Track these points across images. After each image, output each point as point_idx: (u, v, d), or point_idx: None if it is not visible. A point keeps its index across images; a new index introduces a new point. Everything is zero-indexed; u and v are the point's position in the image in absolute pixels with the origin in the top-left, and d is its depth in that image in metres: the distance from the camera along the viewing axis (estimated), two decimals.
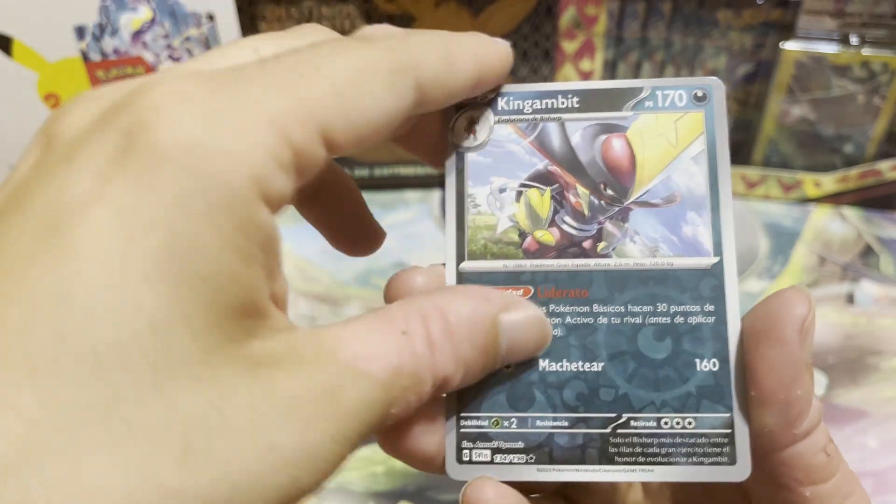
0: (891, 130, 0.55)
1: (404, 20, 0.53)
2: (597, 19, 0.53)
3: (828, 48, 0.52)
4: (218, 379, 0.15)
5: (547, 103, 0.22)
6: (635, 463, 0.20)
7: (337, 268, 0.53)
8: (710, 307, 0.21)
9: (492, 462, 0.20)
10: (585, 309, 0.21)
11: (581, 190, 0.21)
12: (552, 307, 0.21)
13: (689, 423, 0.20)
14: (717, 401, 0.20)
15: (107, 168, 0.14)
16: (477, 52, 0.20)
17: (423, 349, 0.18)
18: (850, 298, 0.51)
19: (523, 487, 0.22)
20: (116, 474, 0.13)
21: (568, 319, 0.21)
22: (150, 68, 0.42)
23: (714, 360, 0.20)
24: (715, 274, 0.21)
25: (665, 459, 0.20)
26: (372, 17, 0.52)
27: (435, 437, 0.21)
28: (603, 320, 0.21)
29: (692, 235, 0.21)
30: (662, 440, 0.20)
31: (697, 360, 0.20)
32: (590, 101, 0.22)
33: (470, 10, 0.52)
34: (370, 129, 0.17)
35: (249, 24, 0.52)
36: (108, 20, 0.41)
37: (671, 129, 0.21)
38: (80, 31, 0.41)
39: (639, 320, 0.21)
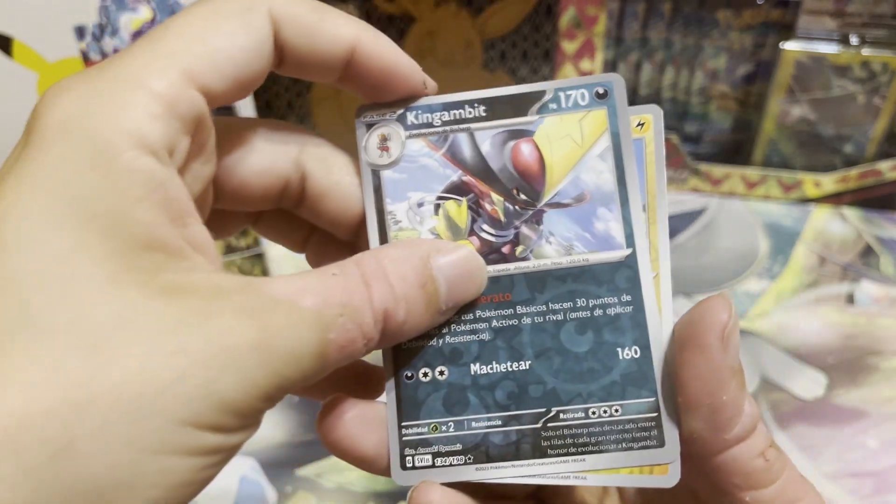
0: (891, 130, 0.55)
1: (404, 20, 0.53)
2: (597, 19, 0.53)
3: (828, 48, 0.52)
4: (125, 298, 0.16)
5: (455, 114, 0.22)
6: (567, 454, 0.21)
7: None
8: (626, 297, 0.21)
9: (433, 466, 0.21)
10: (509, 311, 0.22)
11: (496, 197, 0.22)
12: (479, 313, 0.22)
13: (616, 411, 0.21)
14: (641, 386, 0.21)
15: (15, 154, 0.18)
16: (360, 31, 0.21)
17: (356, 284, 0.19)
18: (850, 298, 0.51)
19: (492, 494, 0.22)
20: (27, 370, 0.15)
21: (494, 323, 0.22)
22: None
23: (635, 347, 0.21)
24: (629, 265, 0.21)
25: (595, 448, 0.21)
26: (372, 16, 0.52)
27: (373, 438, 0.21)
28: (527, 321, 0.22)
29: (604, 230, 0.22)
30: (591, 429, 0.21)
31: (619, 350, 0.21)
32: (496, 108, 0.22)
33: (470, 10, 0.52)
34: (234, 66, 0.19)
35: None
36: (108, 20, 0.41)
37: (576, 129, 0.22)
38: (80, 32, 0.41)
39: (560, 317, 0.21)
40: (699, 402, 0.20)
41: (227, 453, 0.18)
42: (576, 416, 0.21)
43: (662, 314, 0.22)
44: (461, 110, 0.22)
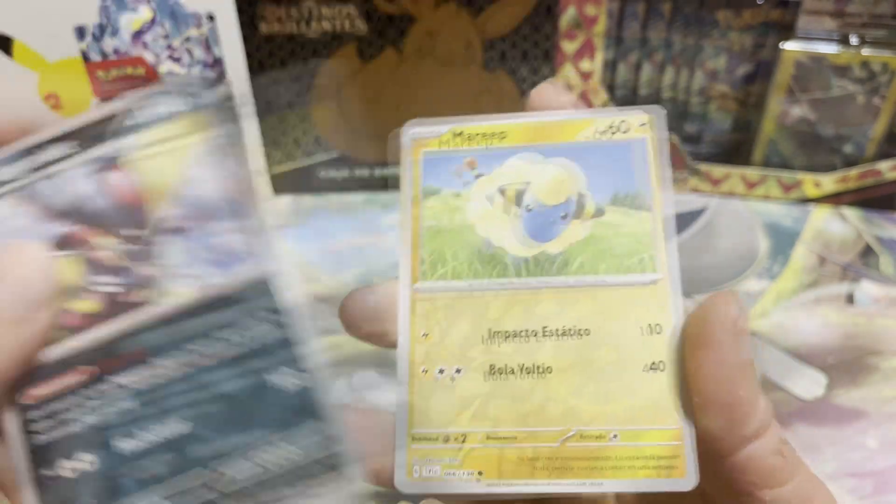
0: (890, 131, 0.56)
1: (404, 21, 0.53)
2: (597, 19, 0.53)
3: (828, 48, 0.52)
4: None
5: (38, 160, 0.19)
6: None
7: (337, 268, 0.53)
8: (274, 315, 0.19)
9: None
10: (148, 371, 0.18)
11: (106, 241, 0.19)
12: (117, 378, 0.18)
13: (286, 448, 0.18)
14: (309, 413, 0.18)
15: None
16: None
17: None
18: (850, 298, 0.51)
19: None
20: None
21: (136, 387, 0.18)
22: (150, 68, 0.42)
23: (300, 373, 0.18)
24: (265, 279, 0.19)
25: (273, 492, 0.18)
26: (372, 17, 0.52)
27: (388, 458, 0.20)
28: (174, 373, 0.18)
29: (227, 247, 0.19)
30: (262, 474, 0.18)
31: (281, 380, 0.18)
32: (82, 139, 0.19)
33: (470, 10, 0.52)
34: None
35: (249, 24, 0.52)
36: (109, 20, 0.41)
37: (167, 141, 0.19)
38: (81, 32, 0.41)
39: (208, 361, 0.18)
40: (715, 400, 0.19)
41: None
42: (238, 462, 0.18)
43: (671, 317, 0.20)
44: (43, 152, 0.19)
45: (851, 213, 0.57)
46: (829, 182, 0.57)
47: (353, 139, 0.58)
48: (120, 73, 0.42)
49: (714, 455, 0.20)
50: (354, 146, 0.58)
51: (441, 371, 0.21)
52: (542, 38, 0.54)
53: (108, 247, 0.19)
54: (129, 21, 0.42)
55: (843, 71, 0.53)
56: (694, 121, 0.58)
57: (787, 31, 0.53)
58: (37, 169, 0.19)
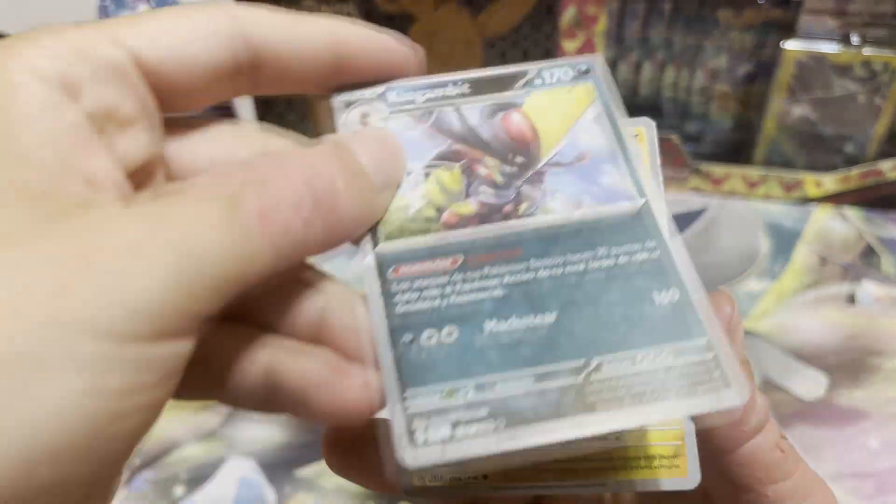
0: (892, 130, 0.55)
1: (404, 20, 0.53)
2: (597, 19, 0.53)
3: (829, 48, 0.52)
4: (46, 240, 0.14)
5: (438, 92, 0.22)
6: (620, 406, 0.18)
7: (338, 267, 0.52)
8: (651, 243, 0.20)
9: (453, 438, 0.17)
10: (522, 266, 0.19)
11: (490, 161, 0.21)
12: (487, 270, 0.19)
13: (668, 356, 0.18)
14: (688, 328, 0.19)
15: None
16: (337, 23, 0.20)
17: (260, 163, 0.17)
18: (851, 299, 0.51)
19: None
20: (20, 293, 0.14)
21: (507, 279, 0.19)
22: None
23: (672, 289, 0.19)
24: (644, 215, 0.20)
25: (653, 396, 0.18)
26: (372, 16, 0.52)
27: (376, 459, 0.20)
28: (543, 273, 0.19)
29: (611, 184, 0.20)
30: (644, 378, 0.18)
31: (655, 294, 0.19)
32: (480, 86, 0.22)
33: (470, 9, 0.52)
34: (175, 44, 0.18)
35: None
36: None
37: (564, 100, 0.22)
38: None
39: (581, 267, 0.19)
40: None
41: (151, 371, 0.15)
42: (622, 364, 0.18)
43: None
44: (444, 89, 0.22)
45: (853, 213, 0.57)
46: (830, 182, 0.57)
47: None
48: None
49: (715, 453, 0.20)
50: None
51: None
52: (543, 37, 0.54)
53: (492, 166, 0.21)
54: None
55: (844, 70, 0.53)
56: (695, 120, 0.58)
57: (789, 31, 0.52)
58: (437, 99, 0.22)
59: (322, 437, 0.21)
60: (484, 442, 0.18)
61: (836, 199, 0.57)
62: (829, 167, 0.57)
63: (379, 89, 0.21)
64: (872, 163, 0.56)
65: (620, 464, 0.21)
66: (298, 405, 0.18)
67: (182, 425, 0.45)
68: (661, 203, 0.20)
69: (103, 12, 0.41)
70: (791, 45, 0.52)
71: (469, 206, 0.20)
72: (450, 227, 0.20)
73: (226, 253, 0.15)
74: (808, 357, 0.48)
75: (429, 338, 0.19)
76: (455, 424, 0.18)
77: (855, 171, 0.56)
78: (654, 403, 0.18)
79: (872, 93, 0.53)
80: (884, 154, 0.56)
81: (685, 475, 0.20)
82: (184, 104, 0.19)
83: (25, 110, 0.16)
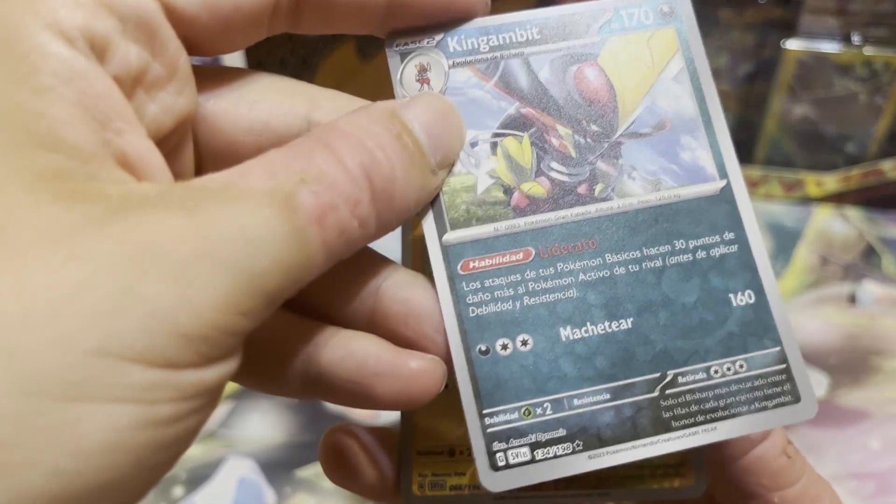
0: (893, 130, 0.55)
1: None
2: None
3: (830, 47, 0.52)
4: (7, 202, 0.13)
5: (504, 38, 0.19)
6: (694, 424, 0.17)
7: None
8: (729, 235, 0.18)
9: (533, 461, 0.17)
10: (598, 261, 0.18)
11: (562, 130, 0.19)
12: (560, 266, 0.18)
13: (741, 367, 0.18)
14: (763, 335, 0.18)
15: None
16: None
17: (314, 147, 0.15)
18: (852, 299, 0.51)
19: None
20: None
21: (581, 277, 0.18)
22: None
23: (748, 291, 0.18)
24: (726, 198, 0.19)
25: (726, 412, 0.17)
26: None
27: (374, 469, 0.20)
28: (620, 270, 0.18)
29: (692, 161, 0.19)
30: (717, 391, 0.18)
31: (731, 296, 0.18)
32: (551, 29, 0.19)
33: None
34: None
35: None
36: None
37: (644, 50, 0.19)
38: None
39: (658, 263, 0.18)
40: None
41: (200, 396, 0.14)
42: (696, 377, 0.18)
43: None
44: (511, 33, 0.19)
45: (853, 213, 0.57)
46: (831, 181, 0.56)
47: None
48: None
49: (722, 459, 0.20)
50: None
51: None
52: None
53: (564, 136, 0.19)
54: None
55: (845, 70, 0.53)
56: None
57: (790, 30, 0.52)
58: (503, 47, 0.19)
59: (319, 447, 0.21)
60: (563, 465, 0.17)
61: (837, 198, 0.57)
62: (829, 167, 0.57)
63: (438, 35, 0.19)
64: (873, 162, 0.56)
65: (625, 472, 0.20)
66: (358, 395, 0.17)
67: None
68: (741, 182, 0.19)
69: None
70: (792, 44, 0.52)
71: (540, 187, 0.18)
72: (519, 211, 0.18)
73: (282, 265, 0.14)
74: (809, 357, 0.48)
75: (504, 348, 0.18)
76: (534, 447, 0.17)
77: (856, 171, 0.56)
78: (726, 422, 0.17)
79: (873, 92, 0.53)
80: (885, 154, 0.56)
81: (692, 483, 0.20)
82: (215, 48, 0.17)
83: (48, 81, 0.14)
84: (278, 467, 0.42)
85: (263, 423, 0.45)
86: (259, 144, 0.17)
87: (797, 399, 0.18)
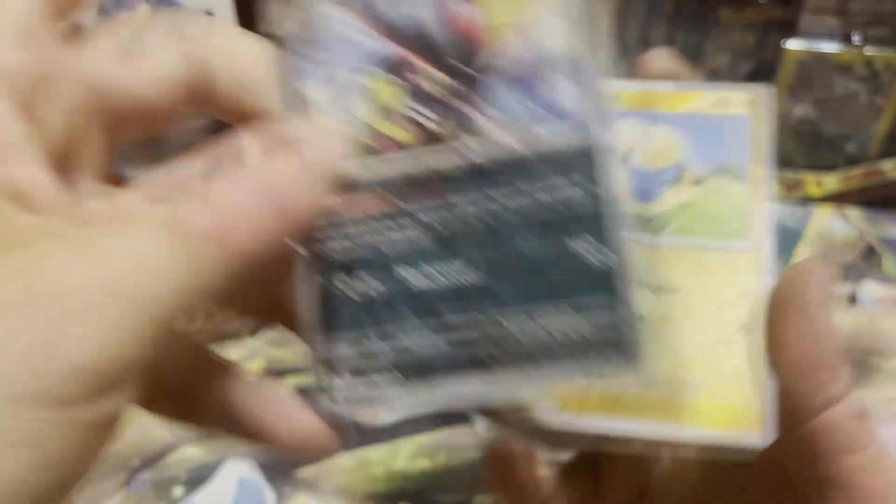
0: (893, 130, 0.55)
1: None
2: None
3: (830, 47, 0.52)
4: None
5: None
6: (515, 366, 0.18)
7: None
8: (580, 179, 0.18)
9: (354, 388, 0.18)
10: (443, 205, 0.18)
11: (430, 70, 0.18)
12: (409, 208, 0.18)
13: (573, 318, 0.18)
14: (597, 284, 0.18)
15: None
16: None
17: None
18: (853, 299, 0.51)
19: (551, 446, 0.22)
20: None
21: (425, 218, 0.18)
22: None
23: (590, 238, 0.18)
24: (591, 147, 0.18)
25: (542, 358, 0.18)
26: None
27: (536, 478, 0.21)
28: (463, 212, 0.18)
29: (561, 106, 0.18)
30: (540, 336, 0.18)
31: (569, 241, 0.18)
32: None
33: None
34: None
35: (248, 22, 0.52)
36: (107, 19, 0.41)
37: None
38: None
39: (498, 205, 0.18)
40: (800, 362, 0.20)
41: (95, 429, 0.13)
42: (525, 324, 0.18)
43: (762, 283, 0.20)
44: None
45: (854, 213, 0.57)
46: (831, 181, 0.56)
47: None
48: None
49: (793, 417, 0.20)
50: None
51: None
52: None
53: (434, 79, 0.18)
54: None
55: (845, 70, 0.53)
56: None
57: (790, 30, 0.52)
58: None
59: (486, 458, 0.21)
60: (380, 395, 0.18)
61: (837, 198, 0.57)
62: (830, 167, 0.57)
63: None
64: (873, 162, 0.56)
65: (696, 415, 0.20)
66: (261, 439, 0.18)
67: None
68: (610, 129, 0.18)
69: (102, 11, 0.41)
70: (792, 44, 0.52)
71: (403, 133, 0.18)
72: (379, 155, 0.18)
73: (176, 289, 0.14)
74: None
75: (355, 290, 0.18)
76: (356, 373, 0.18)
77: (856, 171, 0.56)
78: (544, 367, 0.18)
79: (874, 92, 0.53)
80: (885, 154, 0.56)
81: (761, 432, 0.20)
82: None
83: None
84: (278, 468, 0.43)
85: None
86: (158, 96, 0.17)
87: (625, 352, 0.18)
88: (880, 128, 0.55)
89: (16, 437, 0.12)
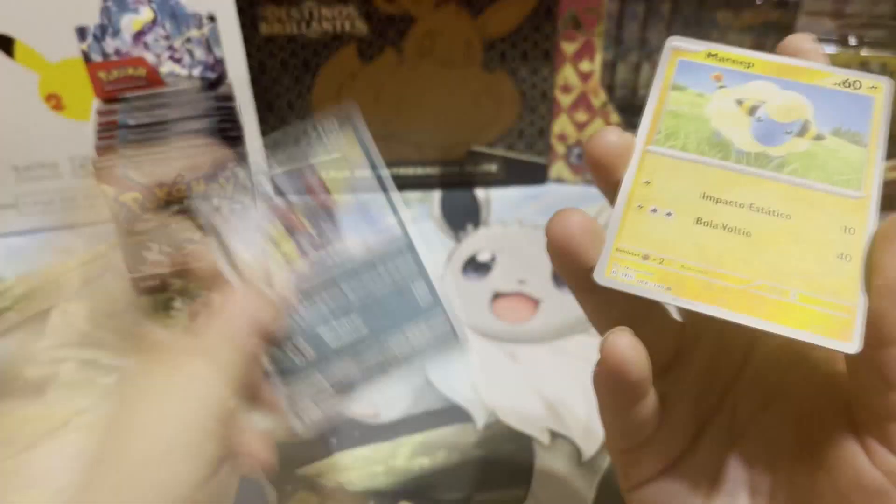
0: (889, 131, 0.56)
1: (404, 21, 0.53)
2: (596, 20, 0.53)
3: (827, 49, 0.52)
4: None
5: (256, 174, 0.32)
6: (400, 366, 0.32)
7: None
8: (415, 257, 0.32)
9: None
10: (340, 292, 0.31)
11: (305, 221, 0.32)
12: (320, 295, 0.31)
13: (424, 326, 0.31)
14: (434, 306, 0.32)
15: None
16: None
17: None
18: None
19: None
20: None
21: (329, 302, 0.31)
22: (151, 69, 0.43)
23: (421, 281, 0.32)
24: (409, 242, 0.32)
25: (412, 358, 0.32)
26: (372, 17, 0.53)
27: (595, 253, 0.23)
28: (358, 295, 0.31)
29: (385, 224, 0.32)
30: (413, 345, 0.32)
31: (420, 288, 0.32)
32: (281, 153, 0.32)
33: (470, 11, 0.53)
34: None
35: (250, 24, 0.52)
36: (110, 21, 0.41)
37: (344, 162, 0.32)
38: (82, 32, 0.41)
39: (378, 285, 0.31)
40: (894, 286, 0.21)
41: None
42: (398, 339, 0.31)
43: (866, 226, 0.23)
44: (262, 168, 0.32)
45: None
46: None
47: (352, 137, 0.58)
48: (121, 74, 0.43)
49: (879, 340, 0.21)
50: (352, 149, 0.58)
51: (654, 210, 0.24)
52: (542, 38, 0.54)
53: (307, 226, 0.31)
54: (130, 22, 0.42)
55: None
56: None
57: (787, 32, 0.53)
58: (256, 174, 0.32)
59: (549, 226, 0.24)
60: (331, 404, 0.31)
61: None
62: None
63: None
64: None
65: (792, 316, 0.22)
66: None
67: None
68: (415, 234, 0.32)
69: (105, 13, 0.41)
70: None
71: (301, 261, 0.31)
72: (296, 274, 0.31)
73: (222, 396, 0.27)
74: None
75: (298, 353, 0.30)
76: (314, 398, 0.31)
77: None
78: (412, 362, 0.31)
79: None
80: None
81: (850, 341, 0.21)
82: None
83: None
84: (279, 466, 0.43)
85: (264, 421, 0.45)
86: None
87: (456, 337, 0.31)
88: None
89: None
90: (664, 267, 0.23)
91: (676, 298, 0.22)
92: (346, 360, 0.30)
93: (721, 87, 0.26)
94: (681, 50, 0.26)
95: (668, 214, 0.24)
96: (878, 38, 0.52)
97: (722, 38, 0.54)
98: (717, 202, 0.24)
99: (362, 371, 0.30)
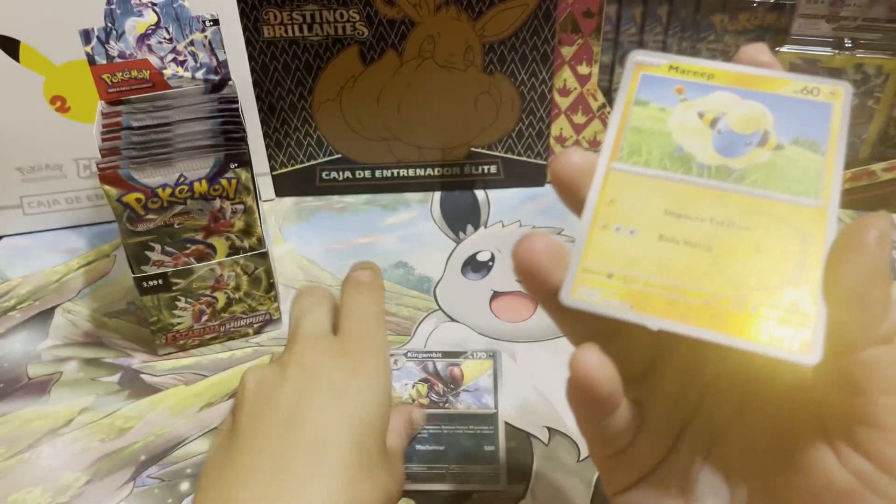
0: (884, 132, 0.56)
1: (405, 25, 0.53)
2: (594, 23, 0.54)
3: (822, 51, 0.53)
4: None
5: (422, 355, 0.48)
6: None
7: (340, 268, 0.53)
8: (494, 423, 0.45)
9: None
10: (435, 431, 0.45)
11: (440, 385, 0.47)
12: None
13: (483, 468, 0.43)
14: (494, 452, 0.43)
15: None
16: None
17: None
18: None
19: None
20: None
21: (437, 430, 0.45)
22: (155, 72, 0.43)
23: (492, 435, 0.44)
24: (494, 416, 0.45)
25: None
26: (373, 21, 0.53)
27: (558, 277, 0.24)
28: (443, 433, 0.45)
29: (488, 401, 0.46)
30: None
31: (488, 440, 0.44)
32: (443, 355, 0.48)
33: (469, 14, 0.53)
34: None
35: (253, 27, 0.53)
36: (114, 24, 0.42)
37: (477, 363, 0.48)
38: (87, 35, 0.41)
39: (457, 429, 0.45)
40: (854, 294, 0.21)
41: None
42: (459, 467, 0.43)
43: (825, 235, 0.23)
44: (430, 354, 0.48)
45: (846, 214, 0.58)
46: None
47: (355, 141, 0.58)
48: (125, 76, 0.43)
49: (839, 348, 0.21)
50: (356, 148, 0.59)
51: (618, 228, 0.24)
52: (541, 41, 0.54)
53: (439, 388, 0.48)
54: (134, 25, 0.42)
55: (837, 73, 0.53)
56: None
57: (783, 35, 0.53)
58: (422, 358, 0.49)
59: (515, 251, 0.24)
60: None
61: None
62: None
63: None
64: (865, 164, 0.57)
65: (751, 330, 0.22)
66: None
67: (188, 421, 0.45)
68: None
69: (109, 16, 0.42)
70: (785, 48, 0.53)
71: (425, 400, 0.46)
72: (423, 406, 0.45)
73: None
74: None
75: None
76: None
77: (848, 173, 0.57)
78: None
79: (865, 96, 0.54)
80: (876, 156, 0.57)
81: (809, 352, 0.21)
82: None
83: None
84: None
85: None
86: None
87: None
88: (872, 130, 0.56)
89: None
90: (628, 285, 0.23)
91: (640, 316, 0.23)
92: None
93: (683, 99, 0.26)
94: (644, 64, 0.26)
95: (632, 232, 0.24)
96: (873, 40, 0.53)
97: (719, 41, 0.55)
98: (679, 217, 0.24)
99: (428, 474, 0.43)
